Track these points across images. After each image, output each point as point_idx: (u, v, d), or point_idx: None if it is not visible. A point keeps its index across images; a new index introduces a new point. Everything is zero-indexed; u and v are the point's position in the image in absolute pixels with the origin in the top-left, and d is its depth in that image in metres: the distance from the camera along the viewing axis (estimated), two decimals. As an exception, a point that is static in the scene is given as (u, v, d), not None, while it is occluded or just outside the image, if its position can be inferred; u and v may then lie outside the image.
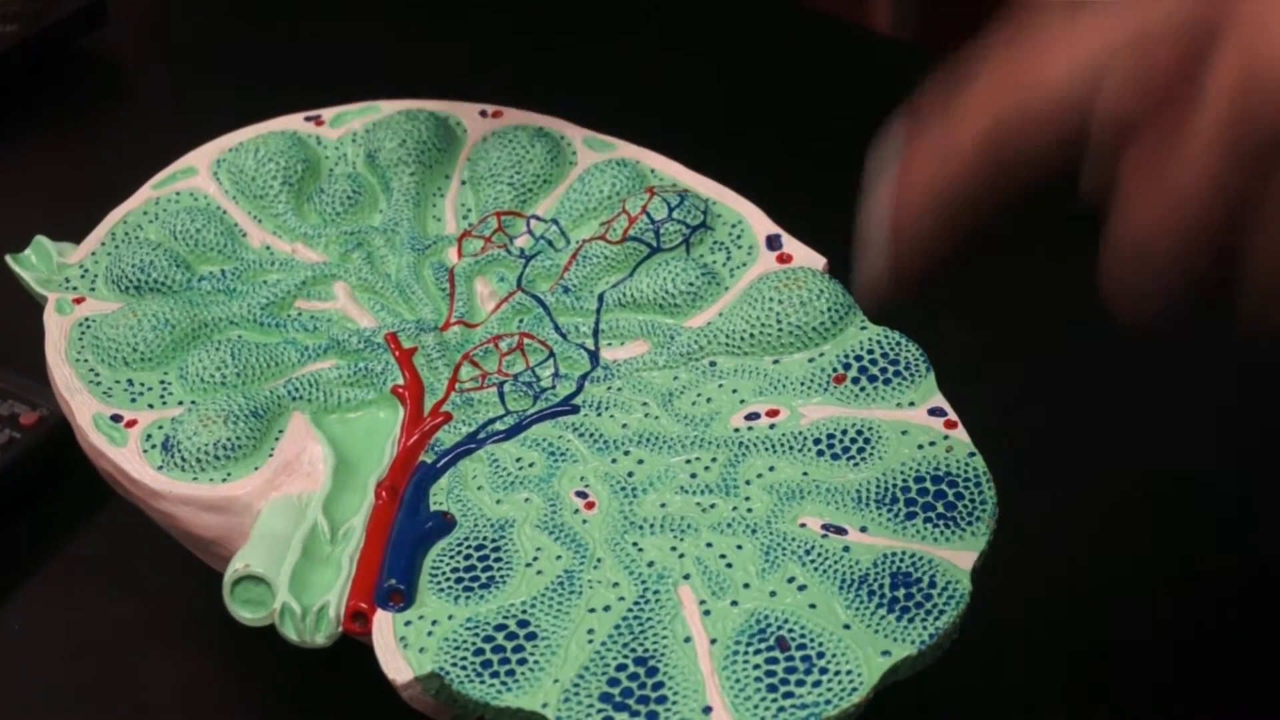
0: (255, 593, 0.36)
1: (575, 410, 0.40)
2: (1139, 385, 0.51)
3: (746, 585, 0.36)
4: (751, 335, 0.41)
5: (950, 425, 0.39)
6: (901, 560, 0.36)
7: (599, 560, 0.37)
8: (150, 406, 0.40)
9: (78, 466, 0.42)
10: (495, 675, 0.34)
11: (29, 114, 0.63)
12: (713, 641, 0.35)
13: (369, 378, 0.41)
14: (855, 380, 0.40)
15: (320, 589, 0.36)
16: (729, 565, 0.36)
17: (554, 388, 0.41)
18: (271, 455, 0.39)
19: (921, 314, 0.43)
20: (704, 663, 0.34)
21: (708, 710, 0.33)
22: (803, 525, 0.37)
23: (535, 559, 0.37)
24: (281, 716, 0.42)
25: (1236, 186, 0.28)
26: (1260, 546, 0.46)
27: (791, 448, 0.39)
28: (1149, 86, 0.28)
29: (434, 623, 0.35)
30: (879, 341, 0.40)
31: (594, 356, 0.42)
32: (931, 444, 0.38)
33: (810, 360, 0.41)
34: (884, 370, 0.40)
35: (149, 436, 0.39)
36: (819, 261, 0.43)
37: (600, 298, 0.43)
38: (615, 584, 0.36)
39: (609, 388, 0.41)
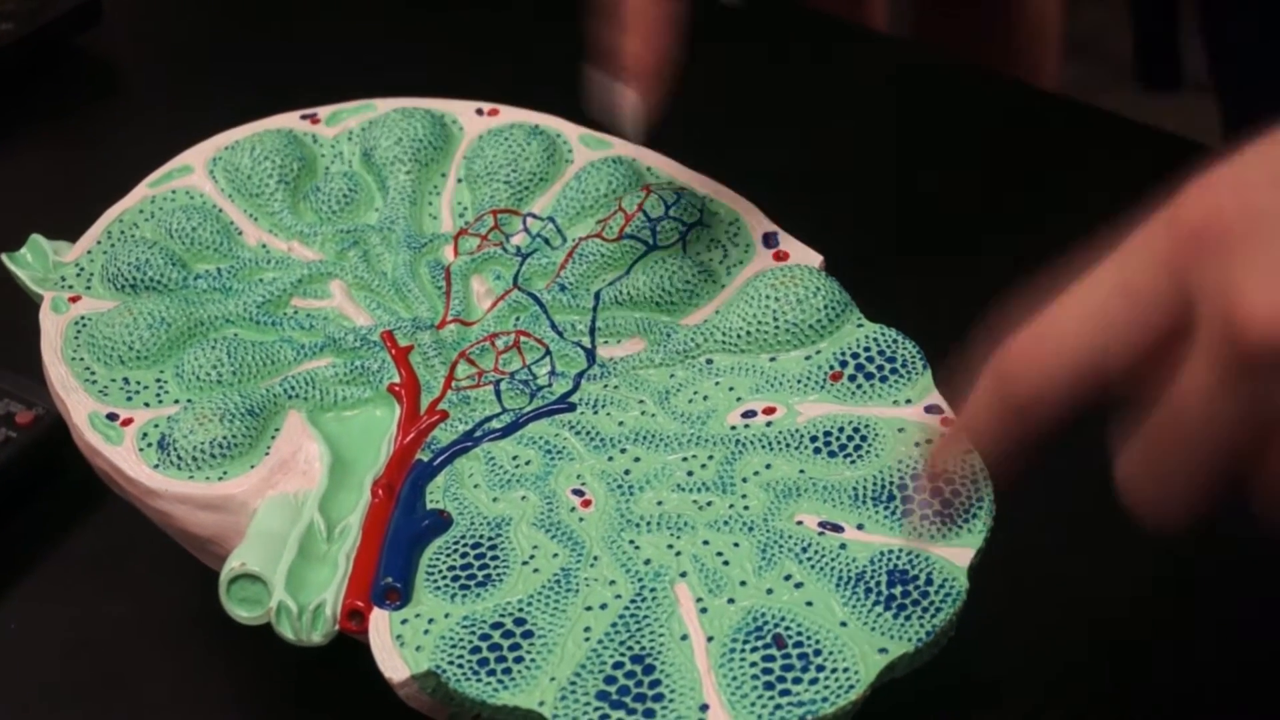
0: (251, 591, 0.36)
1: (572, 408, 0.40)
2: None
3: (743, 583, 0.36)
4: (748, 333, 0.41)
5: (947, 423, 0.39)
6: (898, 558, 0.36)
7: (596, 558, 0.37)
8: (146, 405, 0.40)
9: (74, 465, 0.42)
10: (492, 673, 0.34)
11: (24, 113, 0.63)
12: (709, 639, 0.35)
13: (365, 376, 0.41)
14: (852, 378, 0.40)
15: (316, 587, 0.36)
16: (726, 563, 0.36)
17: (550, 386, 0.41)
18: (268, 454, 0.39)
19: (919, 311, 0.43)
20: (701, 660, 0.34)
21: (705, 708, 0.33)
22: (799, 523, 0.37)
23: (532, 557, 0.37)
24: (278, 715, 0.42)
25: (1232, 435, 0.30)
26: (1260, 545, 0.46)
27: (788, 445, 0.39)
28: (1141, 339, 0.30)
29: (430, 621, 0.35)
30: (876, 339, 0.40)
31: (590, 354, 0.42)
32: (928, 441, 0.38)
33: (807, 358, 0.41)
34: (881, 368, 0.40)
35: (145, 435, 0.39)
36: (815, 259, 0.43)
37: (597, 295, 0.43)
38: (612, 582, 0.36)
39: (606, 385, 0.41)
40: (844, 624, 0.35)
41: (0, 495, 0.46)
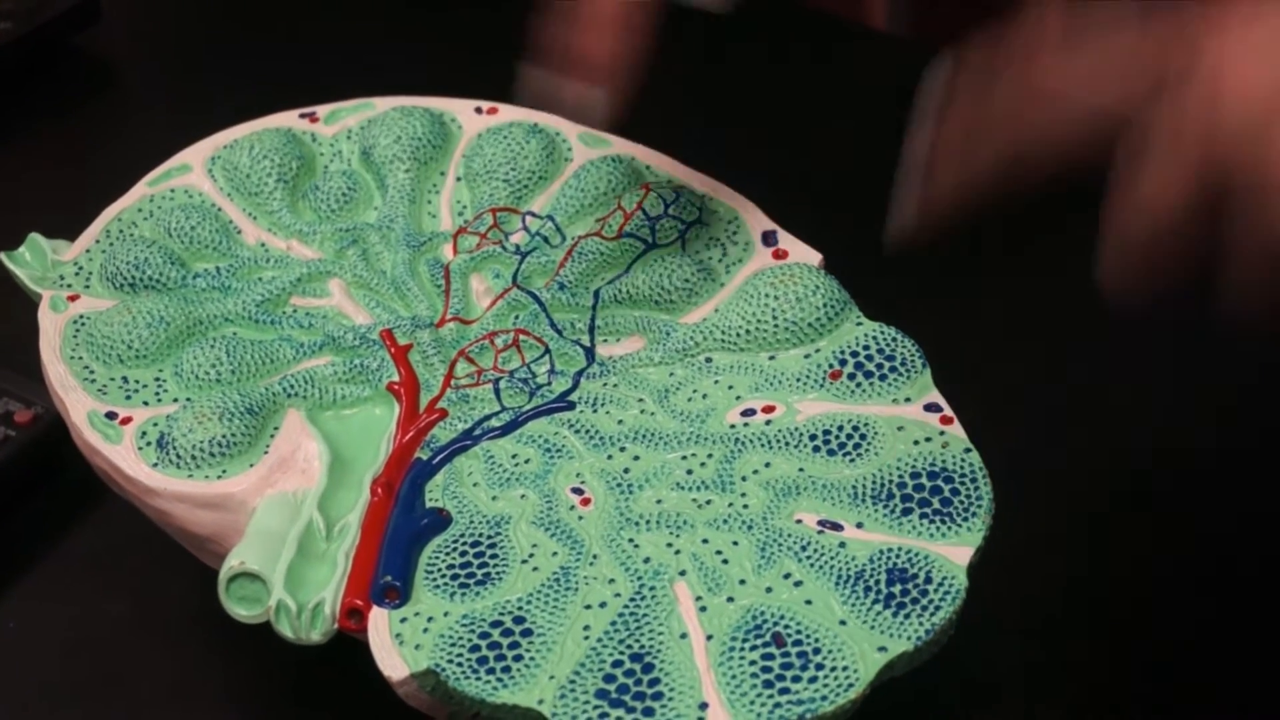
0: (251, 590, 0.36)
1: (571, 407, 0.40)
2: (1136, 382, 0.51)
3: (742, 581, 0.36)
4: (747, 331, 0.41)
5: (946, 421, 0.39)
6: (898, 556, 0.36)
7: (595, 557, 0.37)
8: (145, 404, 0.40)
9: (73, 464, 0.42)
10: (491, 672, 0.34)
11: (23, 112, 0.63)
12: (709, 638, 0.35)
13: (364, 374, 0.41)
14: (851, 376, 0.40)
15: (316, 586, 0.36)
16: (725, 561, 0.36)
17: (550, 384, 0.41)
18: (267, 452, 0.39)
19: (918, 310, 0.43)
20: (700, 659, 0.34)
21: (704, 706, 0.33)
22: (799, 521, 0.37)
23: (531, 555, 0.37)
24: (277, 713, 0.42)
25: (1203, 203, 0.32)
26: (1259, 543, 0.46)
27: (787, 444, 0.39)
28: (1135, 95, 0.33)
29: (430, 619, 0.35)
30: (875, 337, 0.40)
31: (590, 353, 0.42)
32: (927, 440, 0.38)
33: (806, 356, 0.41)
34: (880, 366, 0.40)
35: (144, 434, 0.39)
36: (815, 258, 0.43)
37: (596, 294, 0.43)
38: (611, 580, 0.36)
39: (605, 384, 0.41)
40: (843, 622, 0.35)
41: (-1, 494, 0.46)
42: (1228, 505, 0.47)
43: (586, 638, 0.35)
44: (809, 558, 0.36)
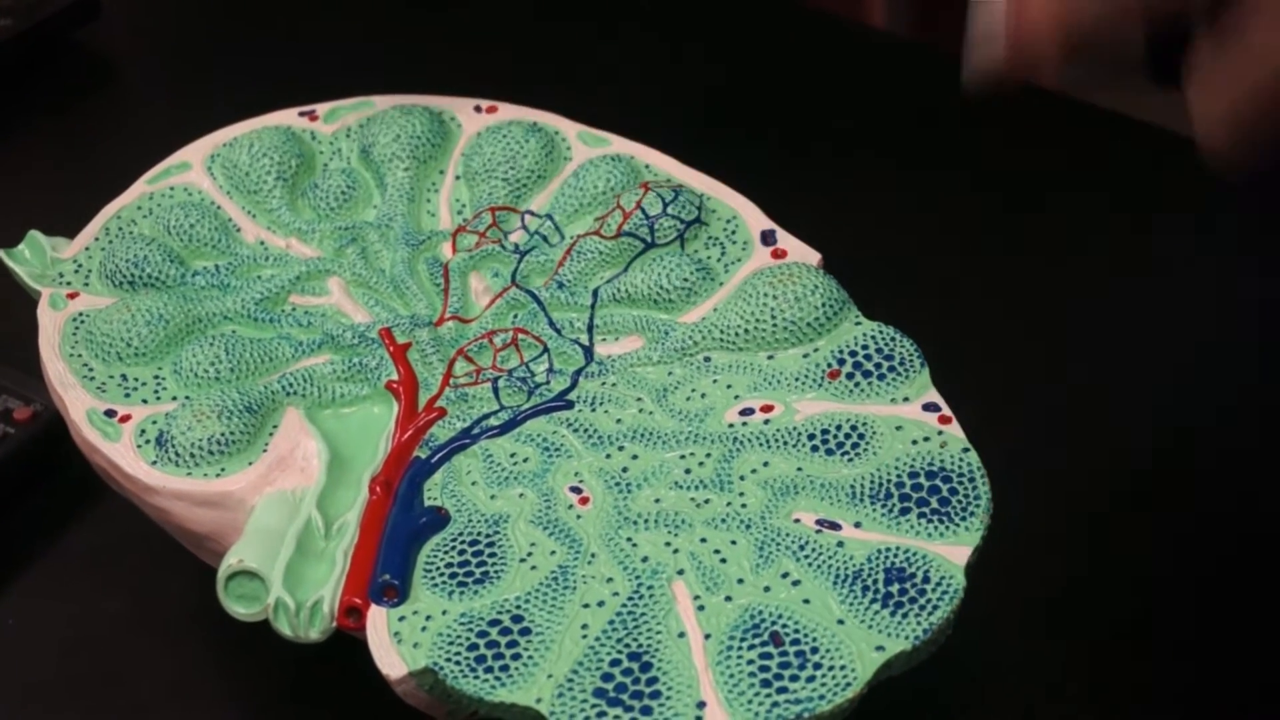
0: (249, 588, 0.36)
1: (570, 406, 0.40)
2: (1135, 380, 0.51)
3: (741, 580, 0.36)
4: (746, 331, 0.41)
5: (944, 421, 0.39)
6: (895, 556, 0.36)
7: (593, 555, 0.37)
8: (144, 402, 0.40)
9: (71, 462, 0.42)
10: (489, 670, 0.34)
11: (22, 108, 0.63)
12: (707, 637, 0.35)
13: (363, 373, 0.41)
14: (850, 376, 0.40)
15: (314, 584, 0.36)
16: (723, 560, 0.36)
17: (548, 383, 0.41)
18: (265, 450, 0.39)
19: (916, 309, 0.43)
20: (698, 658, 0.34)
21: (702, 705, 0.33)
22: (797, 521, 0.37)
23: (529, 554, 0.37)
24: (275, 711, 0.42)
25: None
26: (1258, 541, 0.46)
27: (786, 443, 0.39)
28: None
29: (428, 618, 0.35)
30: (873, 337, 0.41)
31: (588, 352, 0.42)
32: (926, 439, 0.38)
33: (805, 356, 0.41)
34: (878, 366, 0.40)
35: (143, 432, 0.39)
36: (814, 257, 0.43)
37: (595, 293, 0.43)
38: (609, 579, 0.36)
39: (603, 383, 0.41)
40: (841, 622, 0.35)
41: (-2, 491, 0.46)
42: (1228, 505, 0.47)
43: (585, 636, 0.35)
44: (807, 557, 0.36)
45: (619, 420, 0.40)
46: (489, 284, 0.44)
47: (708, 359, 0.41)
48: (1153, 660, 0.43)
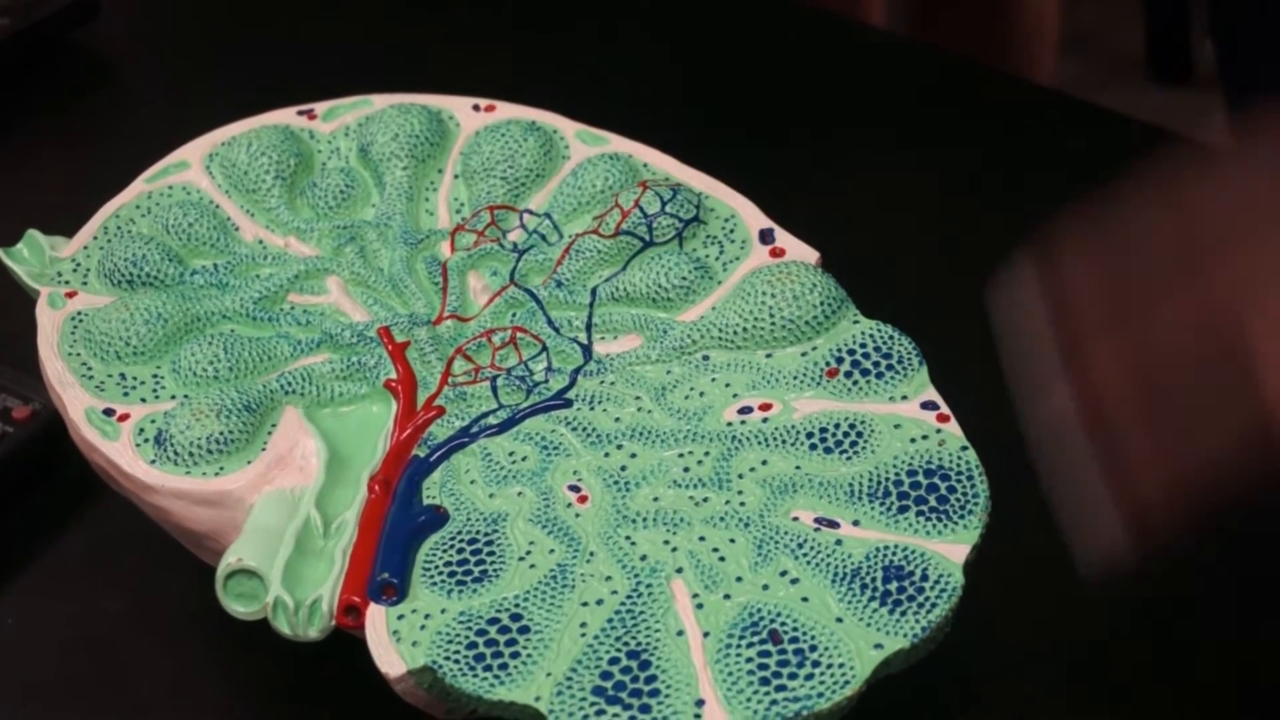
0: (248, 587, 0.36)
1: (568, 404, 0.40)
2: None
3: (739, 579, 0.36)
4: (744, 329, 0.41)
5: (943, 419, 0.39)
6: (894, 554, 0.36)
7: (592, 554, 0.37)
8: (143, 400, 0.40)
9: (70, 461, 0.42)
10: (488, 669, 0.34)
11: (21, 108, 0.63)
12: (705, 635, 0.35)
13: (362, 372, 0.41)
14: (848, 374, 0.40)
15: (313, 583, 0.36)
16: (722, 559, 0.36)
17: (547, 382, 0.41)
18: (264, 449, 0.39)
19: (914, 307, 0.43)
20: (697, 656, 0.34)
21: (700, 703, 0.33)
22: (795, 519, 0.37)
23: (528, 553, 0.37)
24: (274, 710, 0.42)
25: None
26: (1259, 542, 0.46)
27: (784, 441, 0.39)
28: None
29: (427, 616, 0.35)
30: (872, 335, 0.41)
31: (587, 350, 0.42)
32: (924, 438, 0.38)
33: (803, 354, 0.41)
34: (877, 364, 0.40)
35: (141, 430, 0.39)
36: (812, 255, 0.43)
37: (593, 292, 0.43)
38: (608, 578, 0.36)
39: (602, 382, 0.41)
40: (840, 620, 0.35)
41: (-3, 491, 0.46)
42: (1229, 504, 0.47)
43: (583, 635, 0.35)
44: (805, 555, 0.36)
45: (617, 419, 0.40)
46: (487, 283, 0.44)
47: (706, 357, 0.41)
48: (1152, 658, 0.43)
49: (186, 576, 0.42)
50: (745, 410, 0.40)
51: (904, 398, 0.39)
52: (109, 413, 0.40)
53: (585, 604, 0.35)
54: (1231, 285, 0.30)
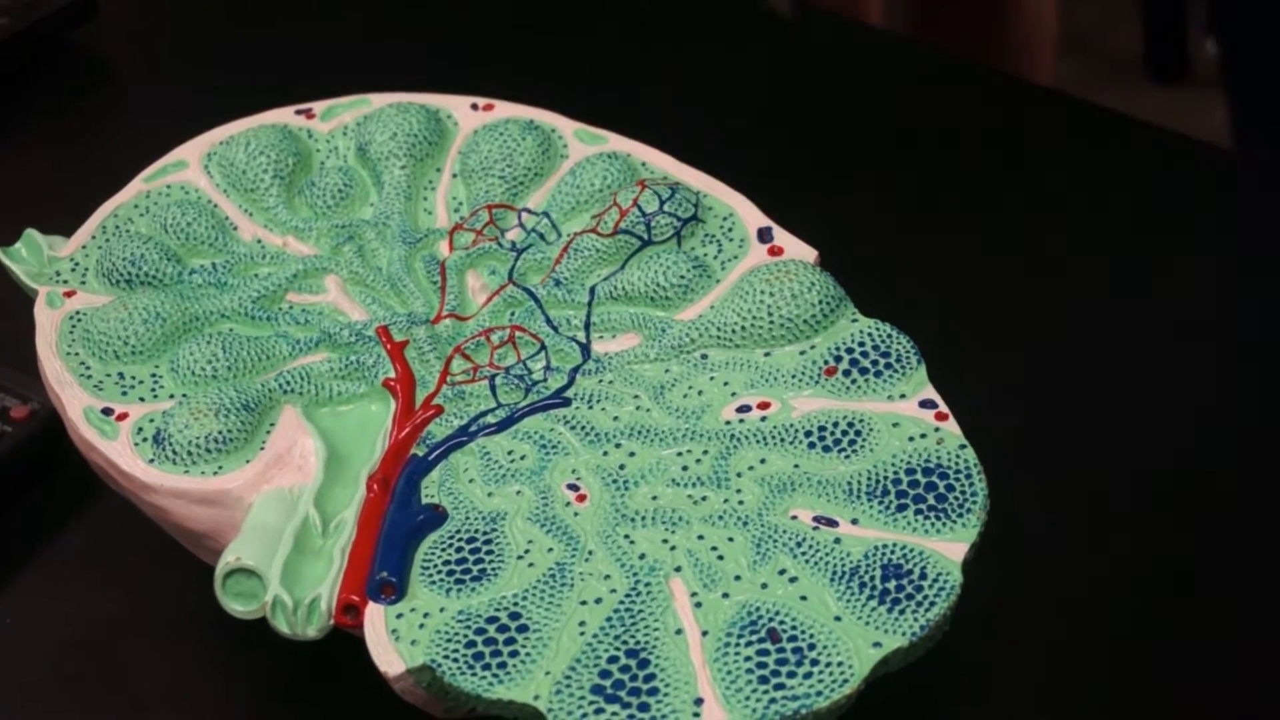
0: (247, 586, 0.36)
1: (567, 403, 0.40)
2: (1132, 378, 0.51)
3: (738, 577, 0.36)
4: (743, 328, 0.41)
5: (941, 418, 0.39)
6: (892, 552, 0.36)
7: (590, 553, 0.37)
8: (141, 400, 0.40)
9: (69, 460, 0.42)
10: (487, 667, 0.34)
11: (19, 108, 0.63)
12: (704, 633, 0.35)
13: (360, 371, 0.41)
14: (846, 373, 0.40)
15: (312, 582, 0.36)
16: (720, 557, 0.36)
17: (545, 380, 0.41)
18: (263, 448, 0.39)
19: (913, 306, 0.43)
20: (695, 654, 0.34)
21: (699, 702, 0.33)
22: (794, 517, 0.37)
23: (527, 551, 0.37)
24: (273, 709, 0.42)
25: None
26: (1256, 540, 0.46)
27: (783, 440, 0.39)
28: None
29: (426, 615, 0.35)
30: (870, 334, 0.41)
31: (585, 349, 0.42)
32: (923, 436, 0.38)
33: (801, 353, 0.41)
34: (875, 363, 0.40)
35: (140, 430, 0.39)
36: (810, 254, 0.43)
37: (592, 291, 0.43)
38: (607, 576, 0.36)
39: (600, 380, 0.41)
40: (838, 618, 0.35)
41: (-4, 490, 0.46)
42: (1227, 504, 0.47)
43: (582, 634, 0.35)
44: (804, 554, 0.36)
45: (616, 417, 0.40)
46: (486, 282, 0.44)
47: (704, 356, 0.41)
48: (1151, 656, 0.43)
49: (185, 576, 0.42)
50: (744, 409, 0.40)
51: (902, 396, 0.39)
52: (107, 412, 0.40)
53: (584, 603, 0.35)
54: None
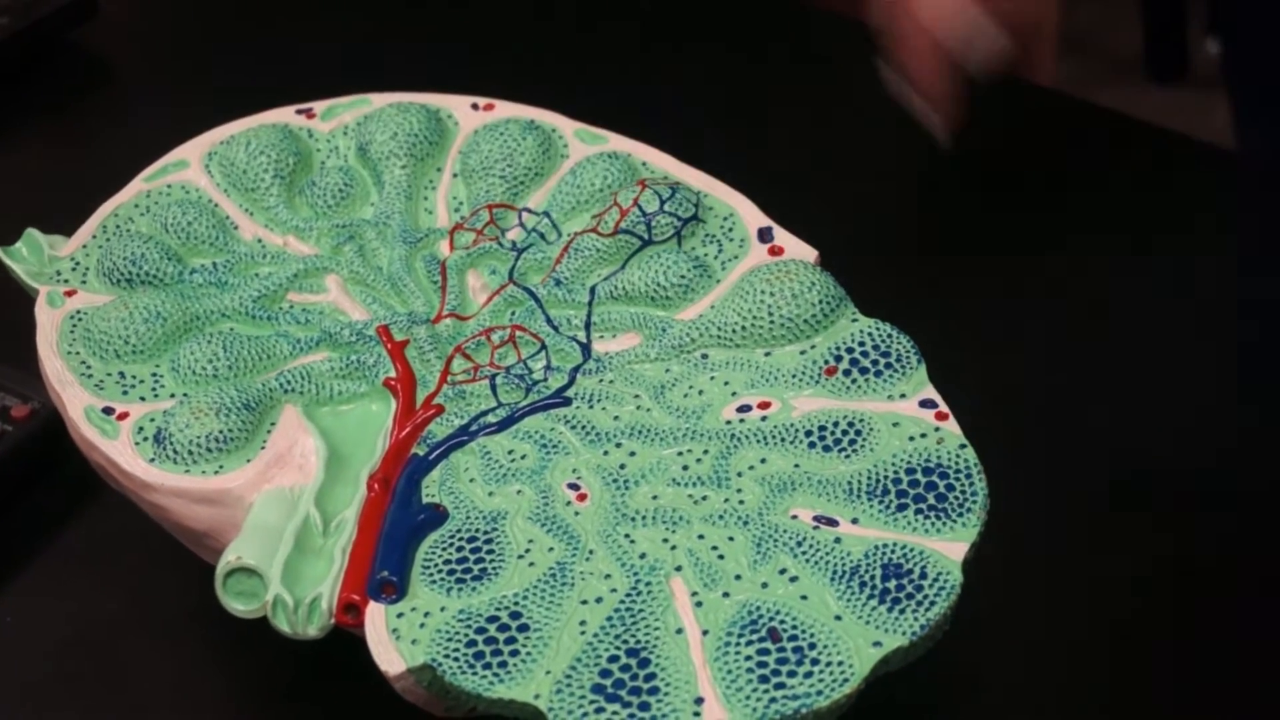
0: (248, 585, 0.36)
1: (567, 402, 0.40)
2: (1132, 378, 0.51)
3: (738, 577, 0.36)
4: (743, 328, 0.41)
5: (941, 417, 0.39)
6: (893, 551, 0.36)
7: (591, 552, 0.37)
8: (142, 399, 0.40)
9: (70, 459, 0.42)
10: (488, 667, 0.34)
11: (20, 107, 0.63)
12: (705, 633, 0.35)
13: (361, 370, 0.41)
14: (846, 372, 0.40)
15: (313, 581, 0.36)
16: (721, 557, 0.36)
17: (546, 380, 0.41)
18: (263, 448, 0.39)
19: (913, 306, 0.43)
20: (696, 654, 0.34)
21: (699, 701, 0.33)
22: (794, 517, 0.37)
23: (527, 551, 0.37)
24: (274, 708, 0.42)
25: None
26: (1256, 540, 0.46)
27: (783, 440, 0.39)
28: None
29: (426, 614, 0.35)
30: (870, 334, 0.41)
31: (586, 349, 0.42)
32: (923, 436, 0.38)
33: (802, 352, 0.41)
34: (875, 362, 0.40)
35: (141, 429, 0.39)
36: (811, 254, 0.43)
37: (592, 290, 0.43)
38: (607, 576, 0.36)
39: (601, 380, 0.41)
40: (839, 617, 0.35)
41: (-4, 489, 0.46)
42: (1226, 504, 0.47)
43: (583, 633, 0.35)
44: (804, 553, 0.36)
45: (616, 417, 0.40)
46: (486, 281, 0.44)
47: (705, 356, 0.41)
48: (1151, 656, 0.43)
49: (186, 575, 0.42)
50: (744, 408, 0.40)
51: (902, 396, 0.39)
52: (108, 411, 0.40)
53: (584, 602, 0.35)
54: None
